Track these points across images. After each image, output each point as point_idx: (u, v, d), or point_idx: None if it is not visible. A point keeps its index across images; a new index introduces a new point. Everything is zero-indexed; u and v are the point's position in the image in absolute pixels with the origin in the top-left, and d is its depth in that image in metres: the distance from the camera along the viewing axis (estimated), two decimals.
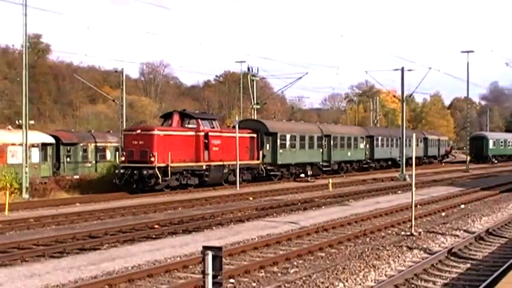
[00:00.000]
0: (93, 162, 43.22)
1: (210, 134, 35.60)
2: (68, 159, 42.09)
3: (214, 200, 29.13)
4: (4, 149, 34.54)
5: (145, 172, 31.58)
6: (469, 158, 61.06)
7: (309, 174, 44.26)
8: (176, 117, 35.41)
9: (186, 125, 35.51)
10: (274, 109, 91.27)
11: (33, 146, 35.69)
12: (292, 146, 43.73)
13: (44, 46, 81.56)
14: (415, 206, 19.37)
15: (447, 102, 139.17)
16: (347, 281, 12.05)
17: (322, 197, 30.29)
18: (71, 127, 58.50)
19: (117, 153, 41.96)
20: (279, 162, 42.09)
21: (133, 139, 32.84)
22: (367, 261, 13.91)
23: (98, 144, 43.91)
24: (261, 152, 40.47)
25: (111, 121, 67.59)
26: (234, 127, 37.18)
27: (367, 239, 17.48)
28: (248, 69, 54.96)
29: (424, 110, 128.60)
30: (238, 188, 34.66)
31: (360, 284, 11.99)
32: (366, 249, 15.47)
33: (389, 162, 59.21)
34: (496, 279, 11.37)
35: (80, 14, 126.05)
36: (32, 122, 35.11)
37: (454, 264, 13.94)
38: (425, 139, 68.57)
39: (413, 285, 12.02)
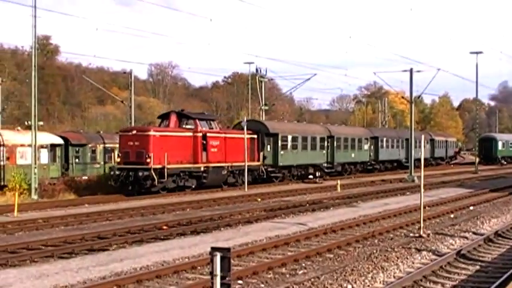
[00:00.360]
0: (102, 163, 43.22)
1: (208, 134, 34.83)
2: (77, 160, 42.14)
3: (222, 201, 29.15)
4: (13, 149, 34.64)
5: (140, 174, 30.83)
6: (477, 159, 60.86)
7: (317, 175, 43.90)
8: (174, 118, 34.68)
9: (184, 126, 34.81)
10: (282, 110, 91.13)
11: (42, 147, 35.76)
12: (294, 147, 42.95)
13: (53, 47, 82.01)
14: (424, 207, 19.31)
15: (456, 104, 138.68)
16: (355, 282, 12.03)
17: (331, 198, 30.28)
18: (80, 128, 58.53)
19: None
20: (280, 163, 41.28)
21: (129, 140, 32.13)
22: (376, 262, 13.88)
23: (107, 145, 43.94)
24: (261, 153, 39.84)
25: (120, 122, 67.67)
26: (234, 128, 36.83)
27: (376, 241, 17.46)
28: (256, 70, 55.05)
29: (433, 111, 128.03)
30: (246, 189, 34.61)
31: (369, 286, 11.97)
32: (375, 251, 15.44)
33: (395, 164, 58.65)
34: (505, 281, 11.34)
35: (88, 16, 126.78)
36: (41, 123, 35.27)
37: (463, 266, 13.90)
38: (432, 140, 68.10)
39: (421, 287, 12.00)
